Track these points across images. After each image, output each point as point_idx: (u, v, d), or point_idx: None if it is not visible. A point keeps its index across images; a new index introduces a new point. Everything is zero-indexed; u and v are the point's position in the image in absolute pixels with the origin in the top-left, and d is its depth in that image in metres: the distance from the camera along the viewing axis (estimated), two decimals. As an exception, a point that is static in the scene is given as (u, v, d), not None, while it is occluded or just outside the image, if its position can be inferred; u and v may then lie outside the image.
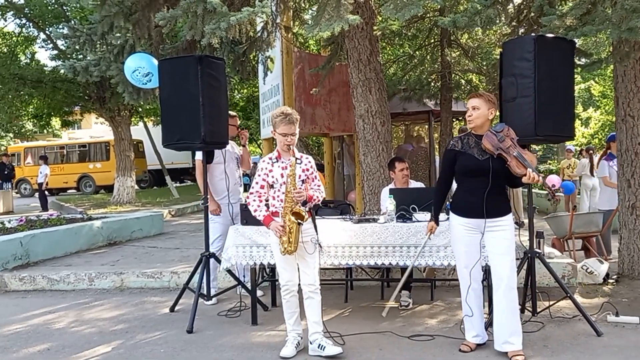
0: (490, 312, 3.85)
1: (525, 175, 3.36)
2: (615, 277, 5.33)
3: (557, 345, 3.69)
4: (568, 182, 10.53)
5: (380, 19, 6.83)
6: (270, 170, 3.64)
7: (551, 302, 4.22)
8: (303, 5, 8.15)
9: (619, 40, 4.05)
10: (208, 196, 4.88)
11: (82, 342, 4.16)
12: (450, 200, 3.78)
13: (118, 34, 6.13)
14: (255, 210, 3.65)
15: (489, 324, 3.76)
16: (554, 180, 8.41)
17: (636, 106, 5.12)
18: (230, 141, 5.15)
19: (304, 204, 3.59)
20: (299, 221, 3.51)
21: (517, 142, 3.48)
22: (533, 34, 4.24)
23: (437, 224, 3.75)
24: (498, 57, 4.53)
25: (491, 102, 3.53)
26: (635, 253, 5.27)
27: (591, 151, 9.94)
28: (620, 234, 5.44)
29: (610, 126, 21.40)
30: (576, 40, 4.24)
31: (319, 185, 3.73)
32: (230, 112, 5.37)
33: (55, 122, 23.56)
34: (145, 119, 20.35)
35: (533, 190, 5.18)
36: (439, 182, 3.82)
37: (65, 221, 8.42)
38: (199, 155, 5.11)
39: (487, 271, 3.87)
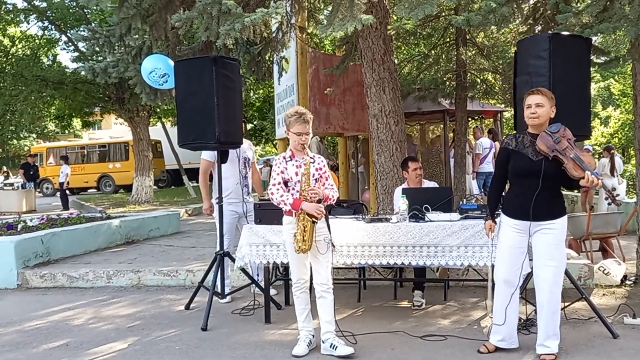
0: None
1: (583, 177, 3.26)
2: (633, 278, 5.24)
3: (572, 347, 3.65)
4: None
5: (394, 18, 6.82)
6: (286, 168, 3.67)
7: (567, 304, 4.17)
8: (318, 5, 8.17)
9: (637, 37, 3.98)
10: (204, 196, 4.95)
11: (99, 338, 4.23)
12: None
13: (136, 36, 6.23)
14: (281, 197, 3.58)
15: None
16: None
17: (655, 105, 5.03)
18: (245, 140, 5.21)
19: (319, 201, 3.61)
20: (314, 220, 3.53)
21: (574, 142, 3.39)
22: (548, 32, 4.19)
23: (495, 222, 3.62)
24: (513, 56, 4.49)
25: (553, 100, 3.43)
26: (654, 254, 5.18)
27: (613, 151, 9.77)
28: (639, 234, 5.34)
29: (630, 125, 21.00)
30: (595, 38, 4.18)
31: (332, 185, 3.74)
32: None
33: (76, 122, 23.97)
34: (164, 120, 20.57)
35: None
36: (493, 180, 3.73)
37: (85, 220, 8.57)
38: (204, 154, 5.17)
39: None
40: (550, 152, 3.31)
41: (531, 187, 3.37)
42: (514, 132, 3.76)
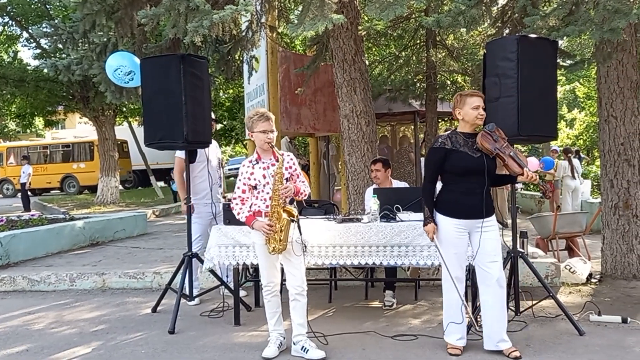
0: (474, 312, 3.87)
1: (522, 174, 3.36)
2: (598, 276, 5.37)
3: (540, 344, 3.70)
4: (546, 158, 10.60)
5: (365, 19, 6.83)
6: (252, 173, 3.61)
7: (534, 302, 4.24)
8: (288, 5, 8.13)
9: (601, 40, 4.07)
10: (182, 196, 4.89)
11: (61, 343, 4.09)
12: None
13: (100, 33, 6.05)
14: (238, 214, 3.63)
15: (470, 326, 3.77)
16: (534, 163, 8.42)
17: (619, 107, 5.17)
18: (213, 141, 5.11)
19: (292, 201, 3.57)
20: (292, 218, 3.49)
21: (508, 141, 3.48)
22: (516, 35, 4.25)
23: (436, 224, 3.52)
24: (482, 58, 4.54)
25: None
26: (618, 253, 5.31)
27: (570, 154, 10.00)
28: (603, 234, 5.48)
29: (594, 127, 21.65)
30: (561, 41, 4.26)
31: (303, 181, 3.71)
32: None
33: (39, 121, 23.29)
34: (130, 119, 20.19)
35: (518, 190, 5.18)
36: (427, 181, 3.62)
37: (47, 221, 8.32)
38: (178, 153, 5.06)
39: (470, 271, 3.87)
40: (493, 150, 3.39)
41: (478, 184, 3.43)
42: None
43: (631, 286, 5.08)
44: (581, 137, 23.65)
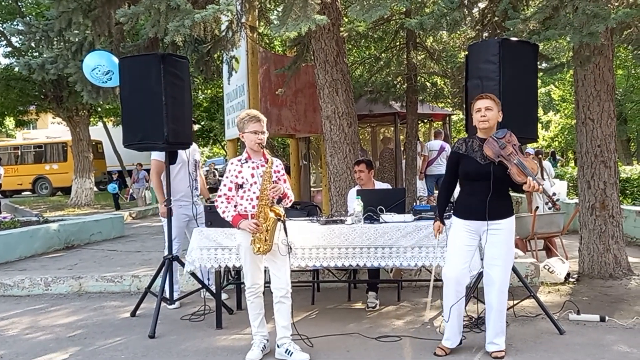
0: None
1: (525, 183, 3.32)
2: (576, 276, 5.46)
3: (522, 344, 3.74)
4: None
5: (346, 20, 6.82)
6: (240, 172, 3.58)
7: (515, 302, 4.28)
8: (268, 5, 8.08)
9: (580, 44, 4.13)
10: (159, 199, 4.83)
11: (37, 349, 3.98)
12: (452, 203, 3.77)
13: (76, 31, 5.91)
14: (223, 212, 3.58)
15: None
16: None
17: (596, 109, 5.26)
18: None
19: (279, 201, 3.55)
20: (279, 218, 3.46)
21: (519, 148, 3.45)
22: (498, 37, 4.29)
23: (444, 224, 3.71)
24: (462, 60, 4.58)
25: (499, 105, 3.49)
26: (595, 253, 5.41)
27: (540, 155, 10.15)
28: (581, 234, 5.57)
29: (569, 129, 22.11)
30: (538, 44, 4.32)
31: (288, 188, 3.70)
32: None
33: (9, 122, 22.71)
34: (105, 119, 19.85)
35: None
36: (443, 183, 3.76)
37: (20, 224, 8.10)
38: (155, 155, 4.98)
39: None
40: (495, 157, 3.38)
41: (482, 189, 3.43)
42: (466, 135, 3.81)
43: (608, 285, 5.18)
44: (556, 139, 24.11)
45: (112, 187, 14.78)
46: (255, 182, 3.54)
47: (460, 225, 3.54)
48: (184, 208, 5.00)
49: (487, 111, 3.43)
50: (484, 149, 3.41)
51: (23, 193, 23.16)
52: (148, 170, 16.15)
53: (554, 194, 3.72)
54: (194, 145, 5.18)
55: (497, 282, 3.48)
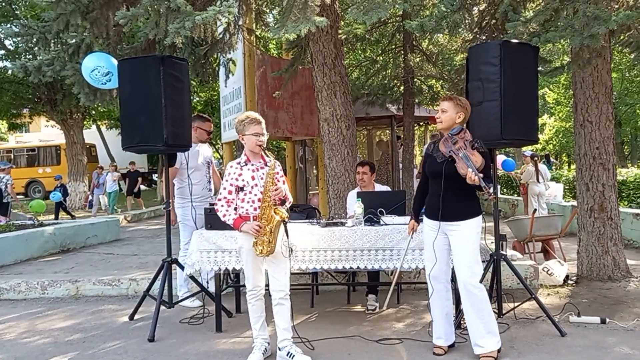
0: (458, 314, 3.89)
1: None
2: (574, 278, 5.46)
3: (523, 346, 3.73)
4: (506, 159, 10.74)
5: (343, 22, 6.83)
6: (240, 174, 3.56)
7: (516, 304, 4.28)
8: (265, 8, 8.08)
9: (581, 46, 4.15)
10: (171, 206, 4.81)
11: (36, 353, 3.93)
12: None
13: (74, 33, 5.87)
14: (224, 215, 3.55)
15: (457, 326, 3.80)
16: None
17: (594, 112, 5.28)
18: (203, 144, 5.19)
19: (282, 203, 3.54)
20: (284, 219, 3.45)
21: (477, 144, 3.43)
22: (499, 39, 4.30)
23: (418, 223, 3.84)
24: (459, 63, 4.58)
25: (460, 106, 3.51)
26: (594, 255, 5.41)
27: (536, 158, 10.19)
28: (579, 236, 5.58)
29: (564, 132, 22.21)
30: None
31: (287, 190, 3.68)
32: (204, 115, 5.34)
33: (2, 125, 22.56)
34: (99, 122, 19.75)
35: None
36: (419, 182, 3.86)
37: (15, 227, 8.04)
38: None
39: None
40: (447, 152, 3.43)
41: (436, 188, 3.53)
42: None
43: (607, 287, 5.19)
44: (551, 142, 24.21)
45: (56, 196, 13.35)
46: (256, 185, 3.52)
47: (427, 224, 3.63)
48: (199, 209, 5.00)
49: (441, 113, 3.55)
50: (439, 145, 3.50)
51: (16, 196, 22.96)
52: (126, 175, 15.67)
53: (491, 185, 3.53)
54: (206, 146, 5.28)
55: (461, 282, 3.45)
